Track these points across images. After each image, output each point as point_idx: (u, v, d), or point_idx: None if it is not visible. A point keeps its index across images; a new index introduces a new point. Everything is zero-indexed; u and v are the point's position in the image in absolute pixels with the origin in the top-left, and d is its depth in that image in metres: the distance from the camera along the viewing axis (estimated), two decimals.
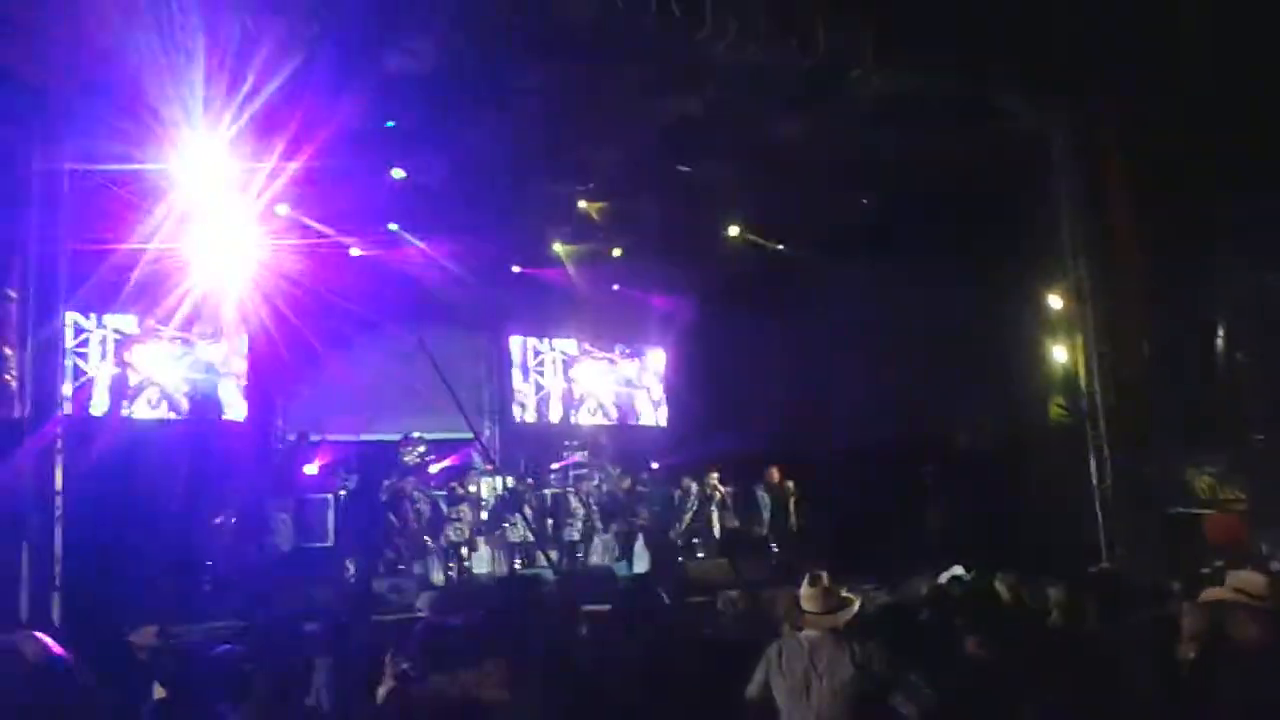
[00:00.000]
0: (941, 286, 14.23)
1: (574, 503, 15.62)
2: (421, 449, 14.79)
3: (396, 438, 14.94)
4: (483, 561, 14.73)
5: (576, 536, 15.45)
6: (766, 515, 15.70)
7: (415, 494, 14.11)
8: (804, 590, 4.94)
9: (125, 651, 5.94)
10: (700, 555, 15.32)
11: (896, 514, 14.34)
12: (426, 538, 14.02)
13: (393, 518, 13.78)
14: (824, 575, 5.01)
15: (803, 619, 4.88)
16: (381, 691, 4.68)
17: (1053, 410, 13.09)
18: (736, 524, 15.80)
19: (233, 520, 13.06)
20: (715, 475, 15.81)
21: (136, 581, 10.70)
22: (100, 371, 14.20)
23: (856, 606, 4.95)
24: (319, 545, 13.73)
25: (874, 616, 5.43)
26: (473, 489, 14.86)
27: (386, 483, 14.08)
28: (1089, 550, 11.81)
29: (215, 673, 4.97)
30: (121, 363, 14.38)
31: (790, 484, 15.58)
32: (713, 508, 15.73)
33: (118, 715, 4.52)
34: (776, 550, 15.28)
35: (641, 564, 15.29)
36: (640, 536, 15.69)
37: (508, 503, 14.89)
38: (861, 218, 15.21)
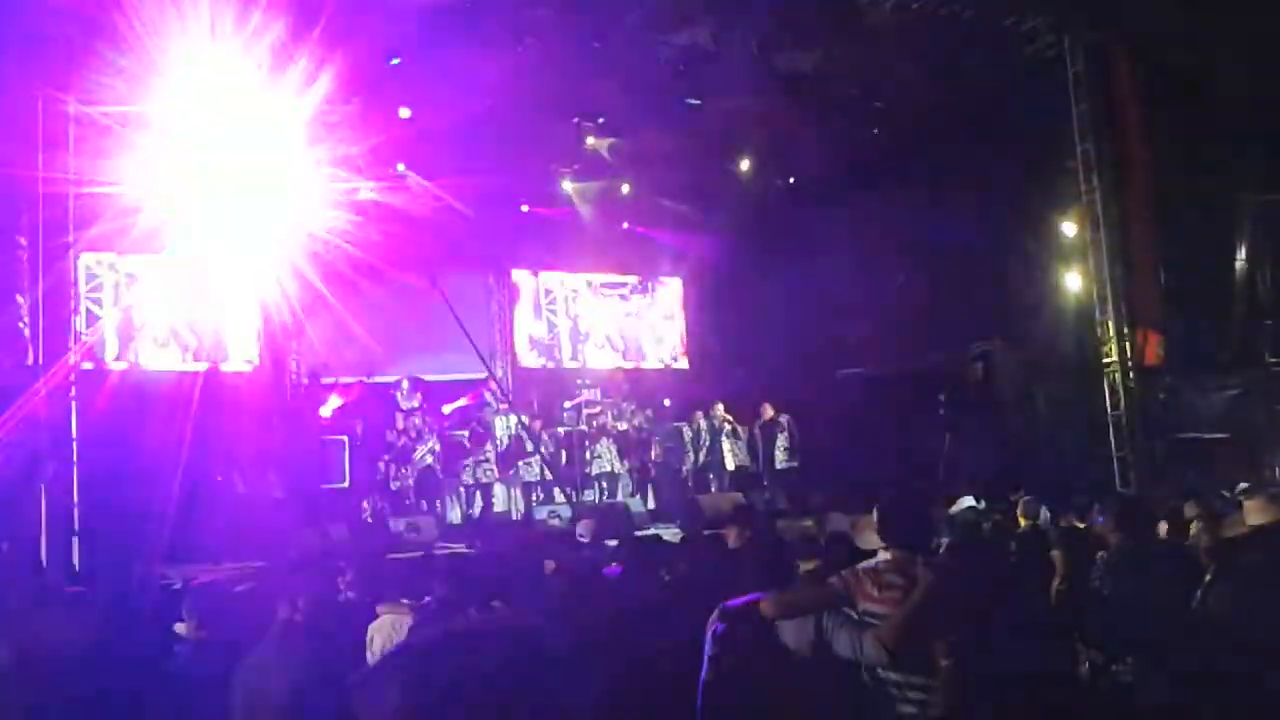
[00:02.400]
0: (955, 215, 14.12)
1: (587, 440, 15.67)
2: (418, 394, 14.80)
3: (396, 378, 14.99)
4: (500, 500, 14.83)
5: (592, 473, 15.52)
6: (761, 450, 15.77)
7: (428, 434, 14.17)
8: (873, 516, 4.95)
9: (147, 591, 6.00)
10: (713, 489, 15.40)
11: (908, 445, 14.35)
12: (440, 476, 14.09)
13: (405, 459, 13.85)
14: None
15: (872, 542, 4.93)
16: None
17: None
18: (746, 459, 15.85)
19: (246, 463, 13.12)
20: (721, 407, 15.83)
21: (153, 525, 10.79)
22: (108, 315, 14.20)
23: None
24: (335, 485, 13.84)
25: None
26: (488, 427, 14.91)
27: (399, 424, 14.14)
28: (1104, 477, 11.83)
29: (239, 610, 5.03)
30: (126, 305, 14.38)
31: (784, 419, 15.58)
32: (723, 439, 15.76)
33: (143, 652, 4.57)
34: (767, 485, 15.35)
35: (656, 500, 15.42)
36: (654, 472, 15.78)
37: (523, 441, 14.94)
38: (874, 147, 15.04)
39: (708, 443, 15.84)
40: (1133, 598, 5.10)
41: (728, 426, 15.84)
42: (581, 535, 8.27)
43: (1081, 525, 7.66)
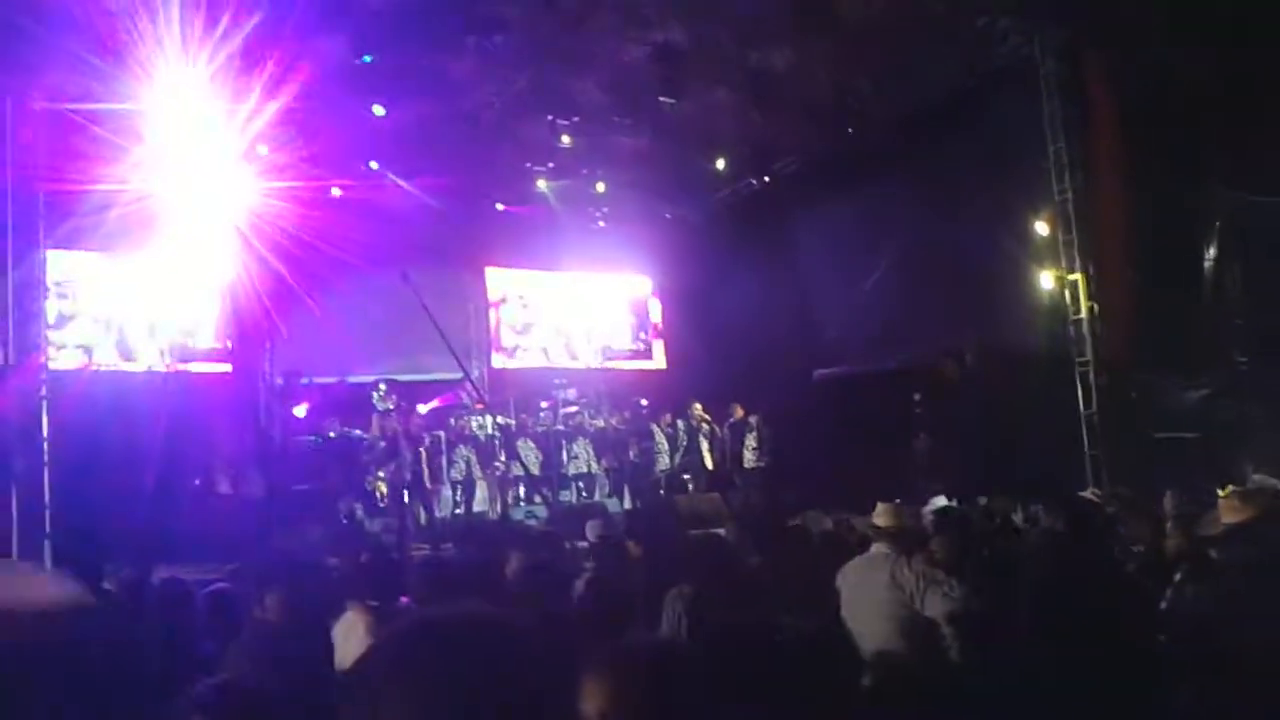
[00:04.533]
0: (927, 214, 14.18)
1: (564, 441, 15.67)
2: (394, 396, 14.73)
3: (374, 379, 14.92)
4: (478, 500, 14.80)
5: (569, 474, 15.51)
6: (728, 450, 15.81)
7: (405, 436, 14.11)
8: (879, 509, 5.25)
9: (117, 592, 5.94)
10: (690, 489, 15.43)
11: (882, 444, 14.40)
12: (421, 477, 14.03)
13: (383, 459, 13.79)
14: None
15: (877, 536, 5.12)
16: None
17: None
18: (721, 458, 15.89)
19: (220, 464, 13.05)
20: (699, 406, 15.85)
21: (123, 525, 10.70)
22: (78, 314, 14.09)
23: (928, 521, 5.26)
24: (310, 487, 13.77)
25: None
26: (464, 428, 14.88)
27: (375, 425, 14.08)
28: (1076, 476, 11.89)
29: (209, 610, 4.99)
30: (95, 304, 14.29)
31: (753, 419, 15.62)
32: (701, 439, 15.79)
33: (115, 654, 4.52)
34: (741, 485, 15.37)
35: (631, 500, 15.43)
36: (629, 472, 15.79)
37: (500, 442, 14.91)
38: (848, 146, 15.08)
39: (685, 443, 15.86)
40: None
41: (705, 426, 15.87)
42: (591, 538, 8.25)
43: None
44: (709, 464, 15.78)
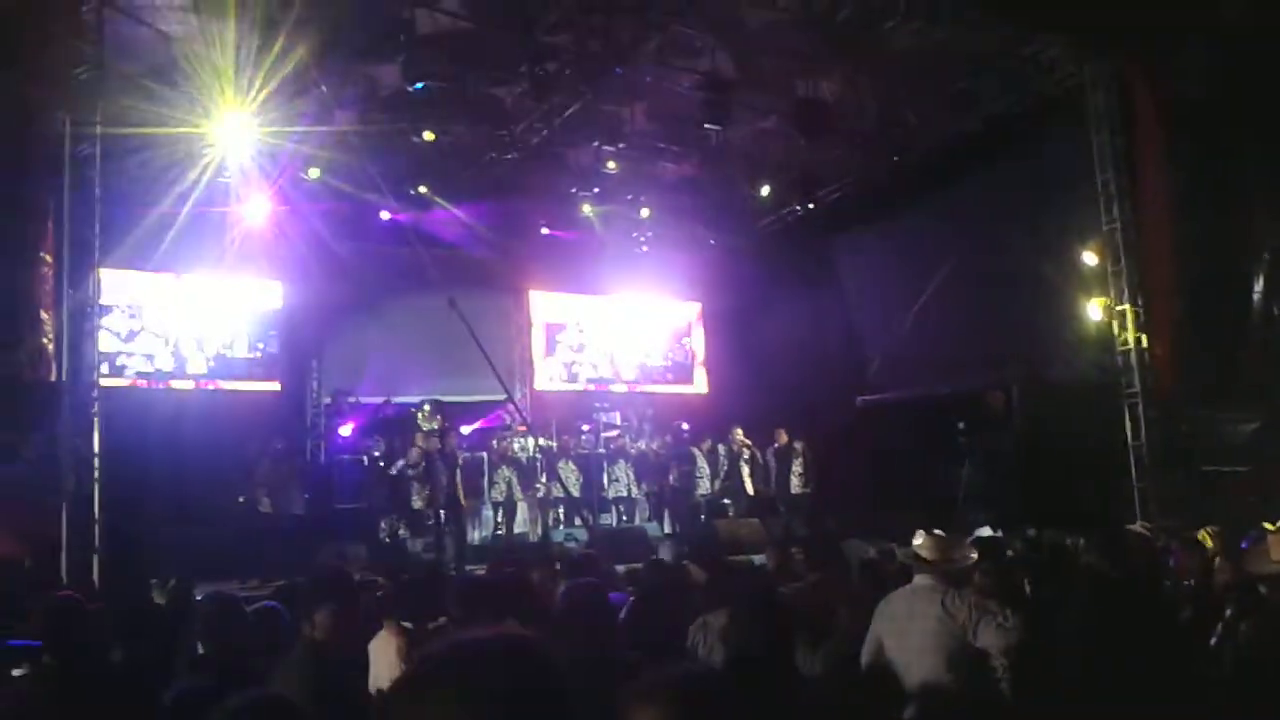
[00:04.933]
0: (973, 242, 14.12)
1: (605, 463, 15.69)
2: (439, 416, 14.84)
3: (419, 400, 15.06)
4: (519, 521, 14.84)
5: (609, 496, 15.53)
6: (775, 476, 15.75)
7: (446, 456, 14.20)
8: (920, 540, 5.11)
9: (165, 609, 6.02)
10: (730, 514, 15.39)
11: (926, 472, 14.31)
12: (456, 498, 14.09)
13: (424, 480, 13.86)
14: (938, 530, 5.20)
15: (919, 568, 5.01)
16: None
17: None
18: (761, 484, 15.84)
19: (265, 482, 13.18)
20: (740, 432, 15.82)
21: (169, 541, 10.87)
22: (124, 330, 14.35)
23: (974, 555, 5.17)
24: (353, 506, 13.89)
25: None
26: (507, 449, 14.95)
27: (418, 445, 14.18)
28: (1123, 509, 11.75)
29: (257, 627, 5.04)
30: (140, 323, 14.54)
31: (798, 445, 15.57)
32: (742, 464, 15.76)
33: (157, 670, 4.59)
34: (784, 512, 15.29)
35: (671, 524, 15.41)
36: (670, 496, 15.77)
37: (541, 464, 14.97)
38: (894, 174, 15.06)
39: (726, 467, 15.83)
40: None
41: (746, 452, 15.83)
42: (664, 556, 8.32)
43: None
44: (750, 489, 15.73)
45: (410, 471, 13.52)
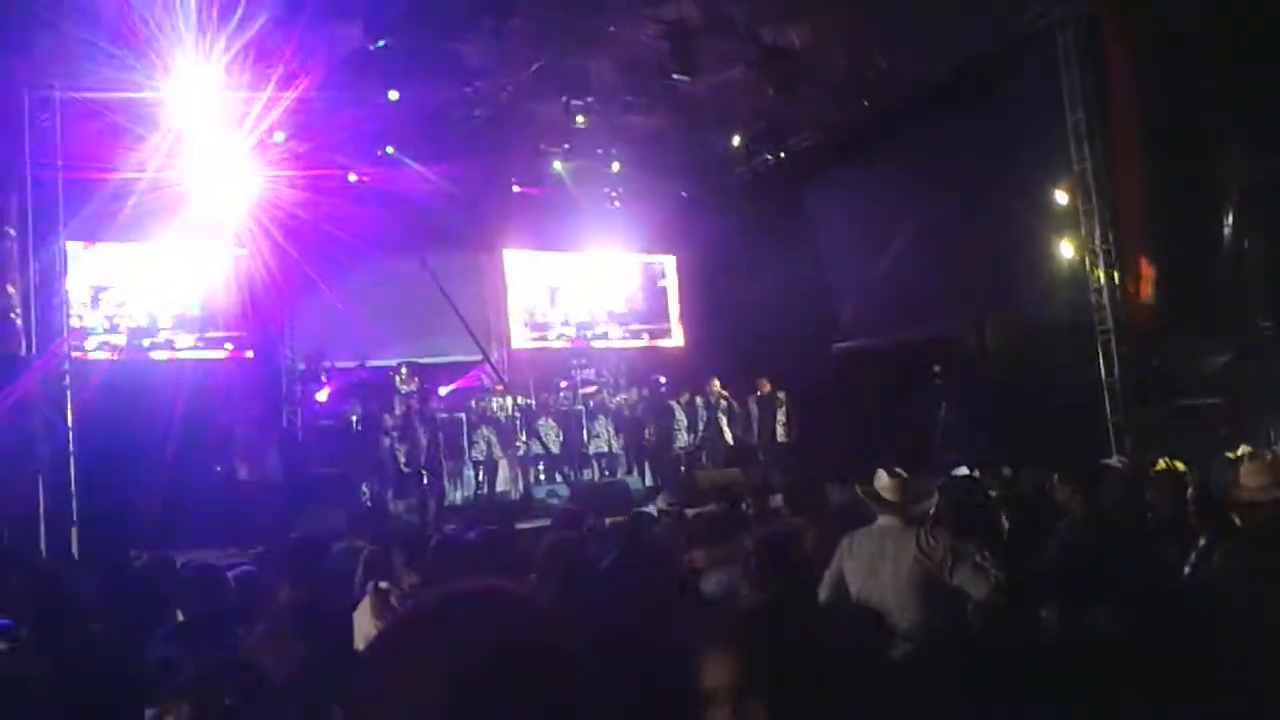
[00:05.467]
0: (945, 186, 14.10)
1: (584, 419, 15.70)
2: (416, 378, 14.82)
3: (396, 363, 15.02)
4: (501, 480, 14.86)
5: (590, 452, 15.56)
6: (755, 426, 15.82)
7: (424, 417, 14.19)
8: (883, 482, 5.07)
9: (142, 576, 6.01)
10: (709, 465, 15.44)
11: (902, 416, 14.37)
12: (438, 459, 14.09)
13: (403, 441, 13.85)
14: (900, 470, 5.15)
15: (881, 509, 4.99)
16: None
17: None
18: (743, 434, 15.90)
19: (242, 449, 13.14)
20: (717, 382, 15.87)
21: (146, 510, 10.81)
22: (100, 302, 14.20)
23: (936, 497, 5.15)
24: (332, 471, 13.86)
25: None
26: (486, 409, 14.94)
27: (396, 408, 14.16)
28: (1099, 445, 11.86)
29: (235, 594, 5.03)
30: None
31: (781, 394, 15.63)
32: (720, 415, 15.81)
33: (131, 641, 4.58)
34: (763, 460, 15.36)
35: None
36: (650, 450, 15.82)
37: (520, 422, 14.97)
38: (864, 120, 15.00)
39: (705, 419, 15.87)
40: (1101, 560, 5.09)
41: (724, 403, 15.88)
42: (661, 506, 8.40)
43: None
44: (729, 440, 15.79)
45: (392, 433, 13.52)
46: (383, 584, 5.16)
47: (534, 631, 1.37)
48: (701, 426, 15.81)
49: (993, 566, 4.61)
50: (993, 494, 7.11)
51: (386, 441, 13.71)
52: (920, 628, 4.54)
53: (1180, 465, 6.90)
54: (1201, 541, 5.10)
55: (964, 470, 9.92)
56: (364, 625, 4.89)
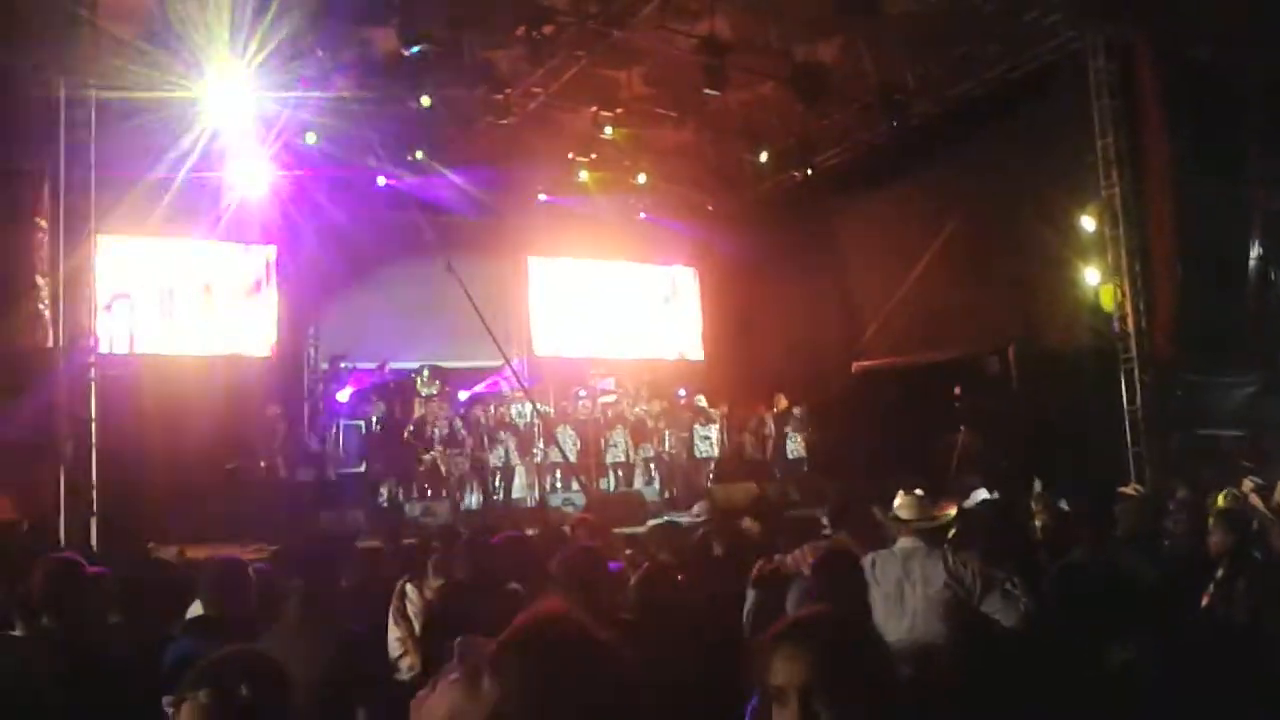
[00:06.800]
0: (971, 207, 14.09)
1: (603, 428, 15.72)
2: (437, 381, 14.90)
3: (417, 365, 15.09)
4: (517, 486, 14.89)
5: (607, 461, 15.57)
6: (771, 442, 15.81)
7: (444, 421, 14.25)
8: (900, 501, 5.05)
9: (159, 571, 6.04)
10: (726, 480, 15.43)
11: (922, 437, 14.33)
12: (461, 462, 14.16)
13: (422, 444, 13.93)
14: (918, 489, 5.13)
15: (900, 529, 4.96)
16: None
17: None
18: (759, 449, 15.90)
19: (264, 447, 13.21)
20: (738, 397, 15.89)
21: (166, 506, 10.88)
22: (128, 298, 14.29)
23: (953, 513, 5.09)
24: (351, 471, 13.93)
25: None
26: (505, 414, 14.99)
27: (417, 411, 14.24)
28: (1120, 473, 11.78)
29: (258, 591, 5.05)
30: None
31: (797, 410, 15.62)
32: (744, 433, 15.82)
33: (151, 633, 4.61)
34: (779, 476, 15.35)
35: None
36: (667, 461, 15.83)
37: (539, 429, 15.00)
38: (893, 140, 14.99)
39: (722, 432, 15.88)
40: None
41: (741, 417, 15.89)
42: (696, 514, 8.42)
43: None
44: (747, 454, 15.79)
45: (412, 436, 13.59)
46: (408, 585, 5.20)
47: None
48: (718, 440, 15.82)
49: (1023, 594, 4.57)
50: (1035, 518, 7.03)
51: (406, 443, 13.79)
52: (950, 653, 4.50)
53: (1222, 499, 6.86)
54: (1220, 573, 5.09)
55: (983, 493, 9.88)
56: (391, 626, 4.94)
